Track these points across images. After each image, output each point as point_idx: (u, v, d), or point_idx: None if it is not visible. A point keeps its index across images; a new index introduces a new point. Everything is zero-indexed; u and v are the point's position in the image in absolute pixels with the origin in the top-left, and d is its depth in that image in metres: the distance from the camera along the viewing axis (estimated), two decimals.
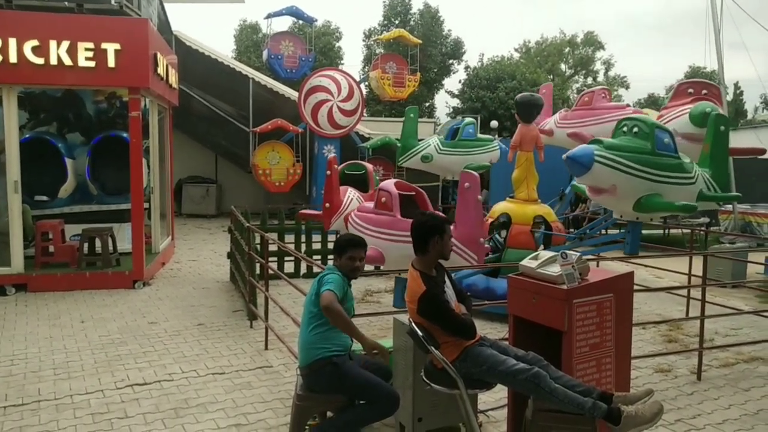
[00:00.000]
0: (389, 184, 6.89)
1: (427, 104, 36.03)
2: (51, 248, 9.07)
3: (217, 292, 8.90)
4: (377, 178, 9.71)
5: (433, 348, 3.49)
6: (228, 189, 19.22)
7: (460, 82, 34.24)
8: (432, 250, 3.66)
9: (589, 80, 44.55)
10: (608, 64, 45.36)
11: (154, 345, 6.36)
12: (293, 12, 19.18)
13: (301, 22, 23.39)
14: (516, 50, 45.19)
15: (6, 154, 8.53)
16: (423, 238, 3.67)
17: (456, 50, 36.13)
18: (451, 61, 36.16)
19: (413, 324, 3.61)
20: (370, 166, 8.96)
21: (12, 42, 8.22)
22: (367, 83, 19.86)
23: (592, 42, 44.65)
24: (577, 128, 8.51)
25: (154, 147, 10.68)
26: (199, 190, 18.17)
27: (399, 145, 14.99)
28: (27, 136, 10.09)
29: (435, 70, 34.71)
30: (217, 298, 8.47)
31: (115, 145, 10.32)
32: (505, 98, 27.66)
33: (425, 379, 3.62)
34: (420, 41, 21.22)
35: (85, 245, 9.25)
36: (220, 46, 54.57)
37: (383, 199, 6.70)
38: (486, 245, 6.73)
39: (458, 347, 3.52)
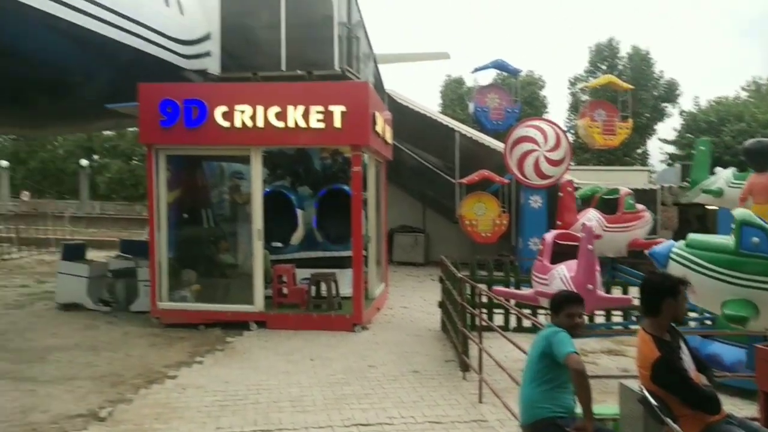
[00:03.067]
0: (549, 234, 7.67)
1: (639, 151, 34.07)
2: (285, 290, 10.14)
3: (429, 340, 9.18)
4: (630, 202, 9.92)
5: (670, 420, 3.26)
6: (435, 238, 19.79)
7: (674, 129, 31.81)
8: (665, 312, 3.48)
9: None
10: None
11: (374, 388, 6.74)
12: (499, 65, 19.61)
13: (505, 73, 23.75)
14: (744, 89, 40.88)
15: (252, 206, 9.79)
16: (654, 299, 3.51)
17: (670, 93, 33.82)
18: (664, 105, 33.87)
19: (645, 391, 3.42)
20: (624, 190, 9.03)
21: (259, 109, 9.46)
22: (573, 131, 19.44)
23: None
24: None
25: (371, 199, 11.47)
26: (409, 239, 18.99)
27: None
28: (267, 190, 11.49)
29: (647, 115, 32.78)
30: (430, 346, 8.73)
31: (338, 197, 11.32)
32: (732, 142, 25.09)
33: None
34: (631, 86, 20.29)
35: (313, 288, 10.16)
36: (427, 100, 57.27)
37: (541, 247, 7.31)
38: (601, 292, 6.79)
39: (699, 422, 3.26)
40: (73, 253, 11.95)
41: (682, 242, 5.59)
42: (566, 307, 3.83)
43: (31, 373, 7.21)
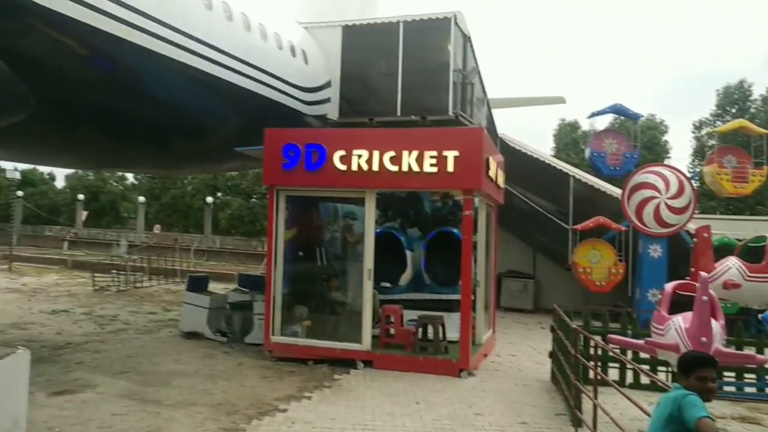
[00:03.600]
0: (671, 283, 7.35)
1: None
2: (392, 330, 10.21)
3: (538, 391, 8.86)
4: None
5: None
6: (545, 285, 19.23)
7: None
8: None
9: None
10: None
11: None
12: (618, 110, 19.02)
13: (622, 117, 22.99)
14: None
15: (364, 245, 10.02)
16: None
17: None
18: None
19: None
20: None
21: (375, 154, 9.74)
22: (698, 178, 18.35)
23: None
24: None
25: (480, 242, 11.38)
26: (518, 284, 18.56)
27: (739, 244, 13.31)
28: (378, 230, 11.73)
29: None
30: (538, 398, 8.43)
31: (447, 240, 11.35)
32: None
33: None
34: (766, 131, 18.91)
35: (420, 330, 10.15)
36: (539, 143, 56.45)
37: (659, 296, 6.62)
38: (720, 346, 6.48)
39: None
40: (197, 284, 12.77)
41: None
42: (697, 369, 3.58)
43: (157, 396, 7.72)
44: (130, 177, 58.10)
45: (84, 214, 49.99)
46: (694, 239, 7.43)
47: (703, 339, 6.18)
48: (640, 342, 7.53)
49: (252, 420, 6.90)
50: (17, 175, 30.25)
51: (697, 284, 6.42)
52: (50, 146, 10.25)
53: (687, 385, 3.58)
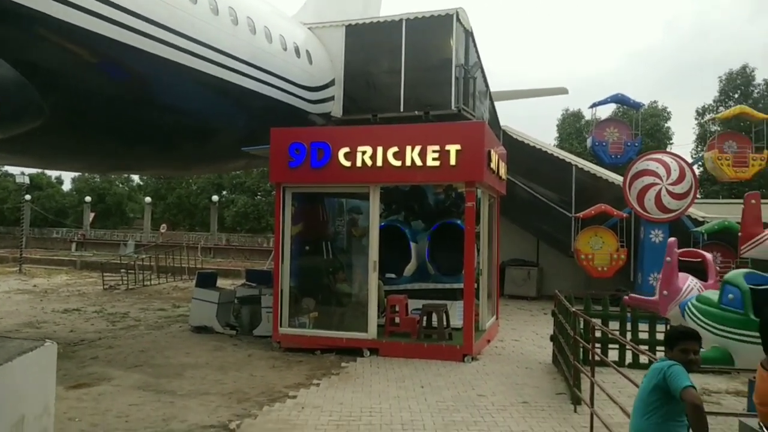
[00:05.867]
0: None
1: None
2: (397, 319, 10.47)
3: (539, 373, 9.12)
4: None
5: None
6: (548, 272, 19.47)
7: None
8: None
9: None
10: None
11: (483, 416, 6.86)
12: (619, 99, 19.20)
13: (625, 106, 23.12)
14: None
15: (369, 238, 10.28)
16: None
17: None
18: None
19: (765, 429, 3.37)
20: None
21: (379, 150, 9.96)
22: (700, 164, 18.49)
23: None
24: None
25: (483, 233, 11.61)
26: (521, 272, 18.81)
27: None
28: (382, 224, 11.96)
29: None
30: (540, 379, 8.69)
31: (450, 231, 11.57)
32: None
33: None
34: (766, 116, 19.02)
35: (424, 319, 10.41)
36: (542, 134, 56.48)
37: (668, 259, 7.68)
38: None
39: None
40: (206, 280, 13.04)
41: (697, 296, 6.84)
42: (681, 342, 3.79)
43: (170, 387, 8.00)
44: (135, 178, 58.51)
45: (91, 215, 50.39)
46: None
47: (665, 292, 7.06)
48: (642, 297, 8.50)
49: (263, 406, 7.18)
50: (26, 180, 30.42)
51: (668, 242, 7.43)
52: (63, 152, 10.53)
53: (671, 357, 3.81)
